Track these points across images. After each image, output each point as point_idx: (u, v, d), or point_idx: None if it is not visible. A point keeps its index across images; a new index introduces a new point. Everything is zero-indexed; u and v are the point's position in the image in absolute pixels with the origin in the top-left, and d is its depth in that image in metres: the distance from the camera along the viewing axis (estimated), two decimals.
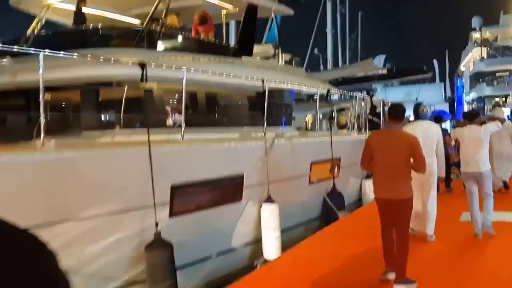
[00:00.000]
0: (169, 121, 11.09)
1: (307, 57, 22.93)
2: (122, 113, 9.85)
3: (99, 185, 7.21)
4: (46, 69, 9.67)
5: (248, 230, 10.24)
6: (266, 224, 10.25)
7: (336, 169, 13.67)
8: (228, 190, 9.68)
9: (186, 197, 8.69)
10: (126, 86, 9.79)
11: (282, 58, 17.42)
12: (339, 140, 13.89)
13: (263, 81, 10.73)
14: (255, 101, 12.56)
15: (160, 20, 12.17)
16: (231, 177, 9.70)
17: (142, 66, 8.02)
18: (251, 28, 15.20)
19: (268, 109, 13.16)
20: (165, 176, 8.18)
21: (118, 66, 9.00)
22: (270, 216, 10.33)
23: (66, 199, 6.72)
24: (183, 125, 8.69)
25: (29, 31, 13.02)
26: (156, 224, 7.84)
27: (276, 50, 17.14)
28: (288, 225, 11.12)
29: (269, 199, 10.41)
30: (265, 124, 10.76)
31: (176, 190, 8.42)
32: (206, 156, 9.05)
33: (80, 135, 9.40)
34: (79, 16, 12.68)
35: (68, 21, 13.94)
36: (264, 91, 12.53)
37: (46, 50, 7.79)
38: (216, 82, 10.82)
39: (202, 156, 8.94)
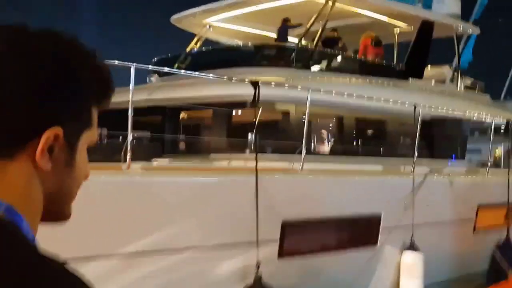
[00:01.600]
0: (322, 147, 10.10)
1: (507, 82, 19.93)
2: (254, 135, 9.07)
3: (192, 214, 6.42)
4: (182, 88, 9.42)
5: (382, 283, 8.67)
6: (406, 276, 8.58)
7: None
8: (359, 231, 8.29)
9: (301, 236, 7.53)
10: (261, 108, 8.98)
11: (462, 82, 15.34)
12: None
13: (414, 107, 9.12)
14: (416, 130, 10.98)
15: (316, 38, 11.24)
16: (364, 217, 8.29)
17: (255, 84, 7.10)
18: (424, 47, 13.54)
19: (433, 140, 11.45)
20: (276, 209, 7.14)
21: (247, 86, 8.26)
22: (411, 267, 8.66)
23: (145, 227, 6.02)
24: (303, 153, 7.57)
25: (188, 49, 13.02)
26: (258, 266, 6.80)
27: (455, 73, 15.13)
28: (437, 279, 9.27)
29: (412, 246, 8.74)
30: (415, 156, 9.11)
31: (288, 227, 7.32)
32: (332, 189, 7.79)
33: (208, 158, 8.81)
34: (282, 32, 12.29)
35: (228, 40, 13.74)
36: (429, 120, 10.91)
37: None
38: (364, 106, 9.51)
39: (325, 190, 7.71)
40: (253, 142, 7.82)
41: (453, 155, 12.18)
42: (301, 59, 11.13)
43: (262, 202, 6.85)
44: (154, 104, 9.06)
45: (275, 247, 7.25)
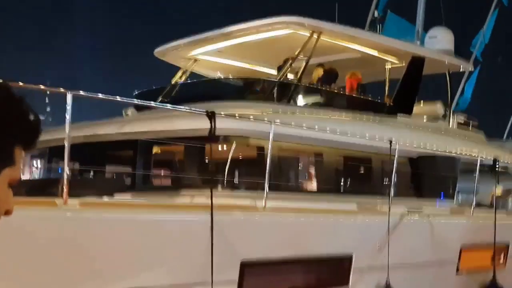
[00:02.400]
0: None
1: (510, 122, 19.34)
2: (226, 171, 8.81)
3: (136, 253, 6.11)
4: (151, 121, 9.21)
5: None
6: None
7: (501, 258, 10.87)
8: (328, 272, 7.92)
9: (263, 277, 7.18)
10: (234, 142, 8.75)
11: (455, 119, 15.00)
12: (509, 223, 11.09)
13: (390, 143, 8.80)
14: (401, 168, 10.65)
15: (299, 72, 11.05)
16: (334, 257, 7.94)
17: (210, 116, 6.84)
18: (414, 83, 13.28)
19: (420, 178, 11.10)
20: (234, 249, 6.82)
21: (222, 120, 8.05)
22: None
23: (82, 266, 5.71)
24: (266, 190, 7.27)
25: (173, 81, 12.86)
26: None
27: (447, 110, 14.81)
28: None
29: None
30: (391, 194, 8.76)
31: (248, 268, 6.98)
32: (297, 228, 7.46)
33: (178, 193, 8.52)
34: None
35: (214, 73, 13.57)
36: (416, 157, 10.62)
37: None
38: (345, 143, 9.19)
39: (290, 229, 7.38)
40: (210, 177, 7.56)
41: (442, 194, 11.76)
42: (284, 94, 10.93)
43: (219, 241, 6.54)
44: (123, 138, 8.83)
45: None
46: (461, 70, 16.20)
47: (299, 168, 9.25)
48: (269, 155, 7.35)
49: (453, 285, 9.67)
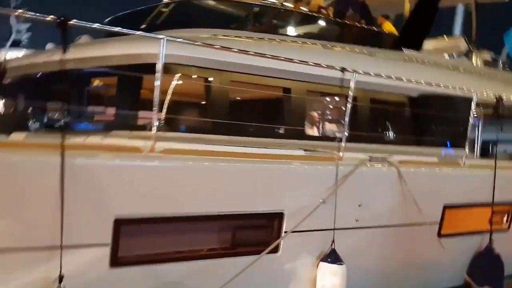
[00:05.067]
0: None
1: None
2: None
3: None
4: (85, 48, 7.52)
5: None
6: None
7: (503, 220, 8.91)
8: (246, 235, 6.25)
9: (148, 238, 5.61)
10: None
11: (478, 57, 12.81)
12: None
13: (342, 71, 6.85)
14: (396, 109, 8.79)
15: None
16: (255, 216, 6.25)
17: (61, 23, 5.00)
18: (426, 14, 11.16)
19: (422, 123, 9.17)
20: (104, 204, 5.26)
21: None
22: (330, 285, 6.57)
23: None
24: (154, 127, 5.57)
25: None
26: (60, 279, 4.94)
27: (470, 46, 12.62)
28: None
29: (331, 256, 6.63)
30: (344, 138, 6.88)
31: (125, 227, 5.40)
32: (198, 177, 5.76)
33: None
34: None
35: None
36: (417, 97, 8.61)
37: None
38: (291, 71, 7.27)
39: (188, 178, 5.69)
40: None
41: (448, 143, 9.67)
42: (261, 20, 9.18)
43: (78, 192, 4.99)
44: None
45: (106, 253, 5.37)
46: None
47: (235, 106, 7.44)
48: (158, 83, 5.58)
49: (433, 251, 7.78)
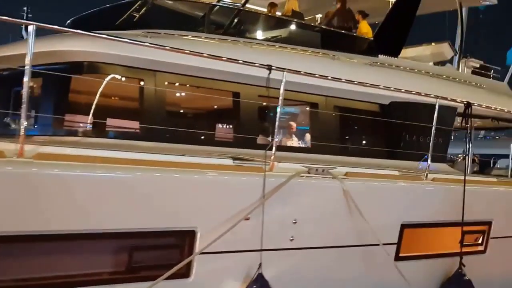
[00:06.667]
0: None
1: None
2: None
3: None
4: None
5: None
6: None
7: (477, 240, 7.89)
8: (148, 256, 5.37)
9: (8, 260, 4.74)
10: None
11: (464, 64, 11.93)
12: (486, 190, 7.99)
13: (269, 68, 5.96)
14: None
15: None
16: (160, 233, 5.38)
17: None
18: (403, 18, 10.31)
19: (380, 132, 8.32)
20: None
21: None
22: None
23: None
24: (22, 129, 4.76)
25: None
26: None
27: (455, 53, 11.71)
28: None
29: (258, 282, 5.71)
30: (275, 145, 5.99)
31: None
32: (83, 188, 4.93)
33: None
34: None
35: None
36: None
37: None
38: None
39: (69, 187, 4.85)
40: None
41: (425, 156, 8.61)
42: (218, 23, 8.44)
43: None
44: None
45: None
46: (481, 3, 13.03)
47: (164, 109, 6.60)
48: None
49: (389, 277, 6.77)
